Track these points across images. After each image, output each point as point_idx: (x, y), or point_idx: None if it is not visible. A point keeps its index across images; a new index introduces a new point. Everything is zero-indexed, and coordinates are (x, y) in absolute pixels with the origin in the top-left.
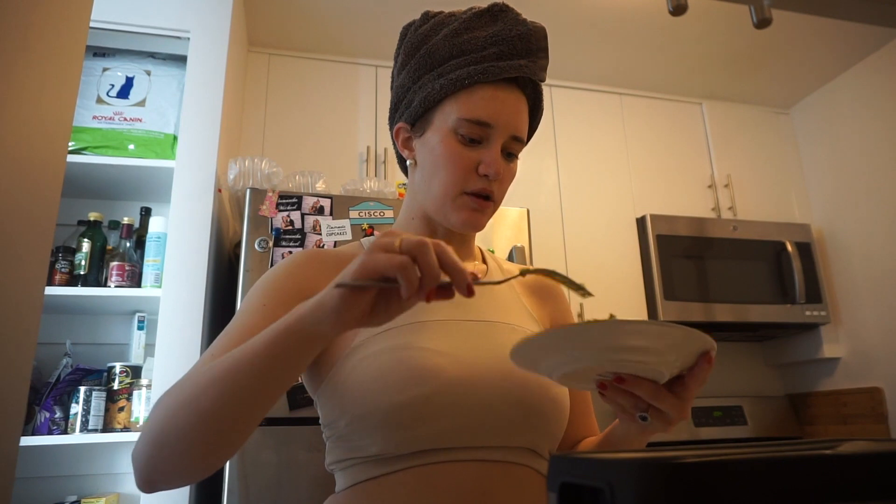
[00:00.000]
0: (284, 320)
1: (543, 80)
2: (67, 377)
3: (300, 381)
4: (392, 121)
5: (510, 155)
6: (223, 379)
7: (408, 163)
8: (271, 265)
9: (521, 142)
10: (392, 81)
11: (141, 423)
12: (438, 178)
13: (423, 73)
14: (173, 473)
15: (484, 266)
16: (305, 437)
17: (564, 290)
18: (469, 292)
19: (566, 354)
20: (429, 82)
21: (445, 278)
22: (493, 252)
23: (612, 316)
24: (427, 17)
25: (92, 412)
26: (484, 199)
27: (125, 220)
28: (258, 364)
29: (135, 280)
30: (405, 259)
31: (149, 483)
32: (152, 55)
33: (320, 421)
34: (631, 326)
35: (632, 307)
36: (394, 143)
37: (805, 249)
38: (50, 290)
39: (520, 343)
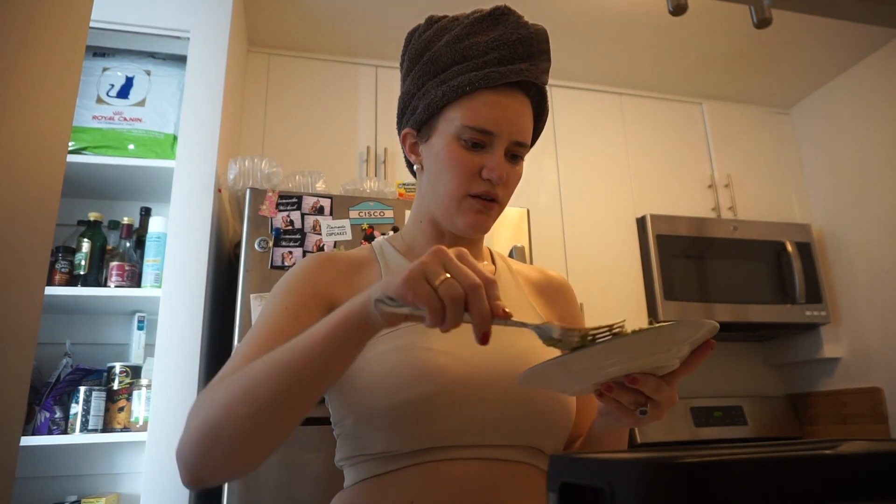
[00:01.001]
0: (339, 312)
1: (546, 84)
2: (67, 377)
3: None
4: (399, 126)
5: (515, 157)
6: (282, 370)
7: (415, 167)
8: (271, 265)
9: (524, 145)
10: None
11: (141, 422)
12: (443, 182)
13: (426, 80)
14: (225, 467)
15: (492, 266)
16: (307, 438)
17: (574, 289)
18: (482, 342)
19: (578, 377)
20: (432, 89)
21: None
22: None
23: (613, 327)
24: (431, 21)
25: (92, 412)
26: (488, 202)
27: (125, 220)
28: (318, 352)
29: (135, 280)
30: (437, 306)
31: (197, 479)
32: (152, 55)
33: (331, 419)
34: (649, 335)
35: (632, 307)
36: (402, 149)
37: (805, 249)
38: (50, 290)
39: (533, 370)
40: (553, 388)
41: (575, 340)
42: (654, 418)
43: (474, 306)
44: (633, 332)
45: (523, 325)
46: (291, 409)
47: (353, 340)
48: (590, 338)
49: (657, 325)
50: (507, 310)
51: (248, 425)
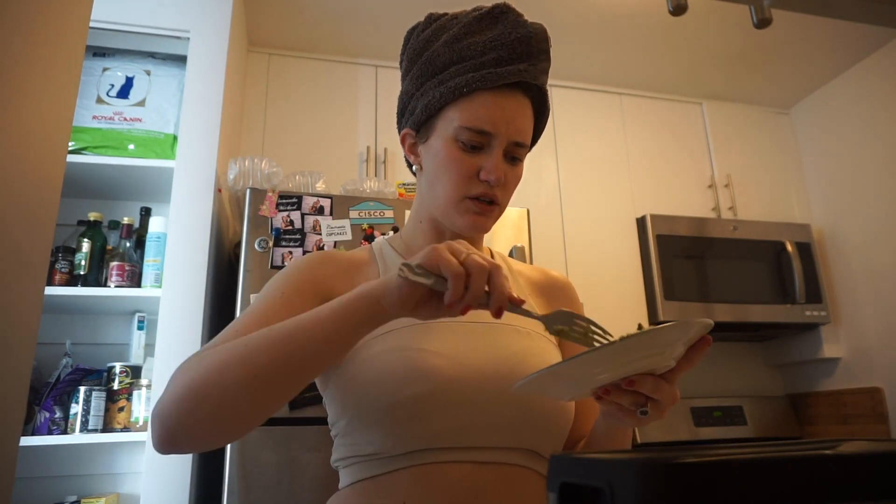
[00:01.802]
0: (353, 292)
1: (545, 84)
2: (67, 377)
3: None
4: (399, 126)
5: (514, 159)
6: (284, 340)
7: (414, 168)
8: (271, 265)
9: (524, 146)
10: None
11: (141, 422)
12: (441, 183)
13: (424, 80)
14: (204, 431)
15: None
16: (306, 437)
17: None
18: (497, 315)
19: (572, 385)
20: (430, 89)
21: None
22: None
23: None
24: (430, 19)
25: (92, 412)
26: (488, 204)
27: (125, 220)
28: (323, 329)
29: (135, 280)
30: (461, 270)
31: (171, 441)
32: (152, 55)
33: (328, 419)
34: (635, 342)
35: (632, 307)
36: (402, 148)
37: (805, 249)
38: (50, 290)
39: (527, 379)
40: (549, 394)
41: (580, 332)
42: (655, 417)
43: (495, 280)
44: (621, 338)
45: (532, 314)
46: (285, 382)
47: (361, 320)
48: (592, 332)
49: (645, 329)
50: (519, 296)
51: (240, 389)
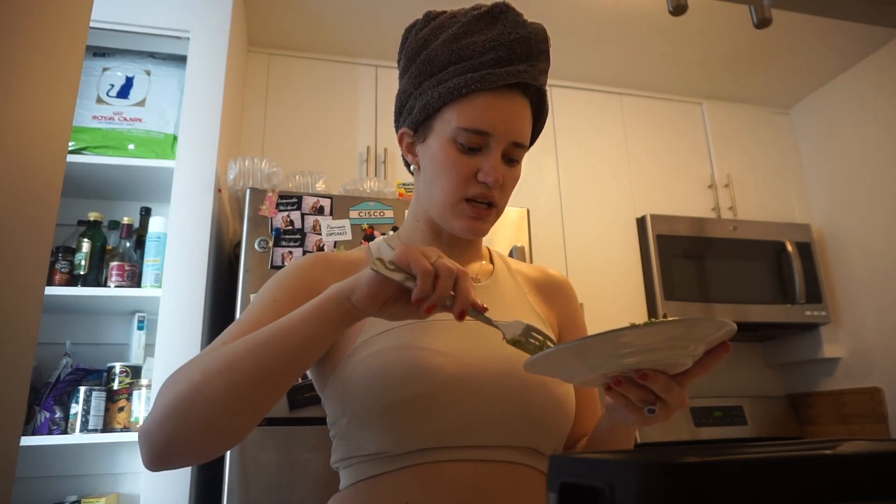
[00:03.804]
0: (323, 295)
1: (544, 85)
2: (67, 377)
3: (301, 381)
4: (396, 125)
5: (511, 160)
6: (261, 346)
7: (412, 167)
8: (271, 265)
9: (522, 147)
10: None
11: (141, 422)
12: (439, 184)
13: (423, 80)
14: (194, 445)
15: (490, 266)
16: (305, 437)
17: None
18: (459, 317)
19: (589, 363)
20: (428, 89)
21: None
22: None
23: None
24: (429, 18)
25: (92, 412)
26: (486, 207)
27: (125, 220)
28: (298, 332)
29: (135, 280)
30: (431, 269)
31: (162, 458)
32: (152, 55)
33: (326, 420)
34: (665, 329)
35: (632, 307)
36: (400, 148)
37: (805, 249)
38: (50, 290)
39: (542, 354)
40: (560, 375)
41: (535, 345)
42: (661, 419)
43: (461, 284)
44: (653, 321)
45: (492, 322)
46: (268, 387)
47: (333, 319)
48: (547, 346)
49: (677, 317)
50: (483, 304)
51: (224, 400)
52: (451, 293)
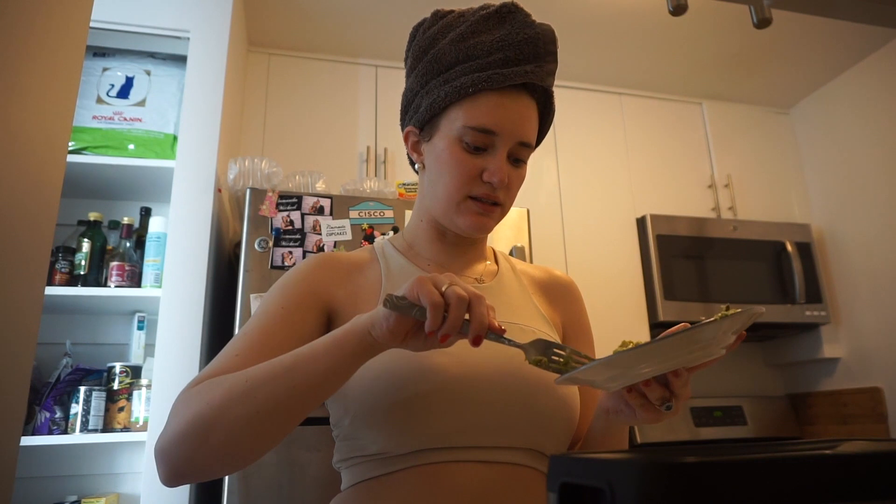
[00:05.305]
0: (345, 327)
1: (551, 86)
2: (67, 377)
3: None
4: (402, 123)
5: (517, 160)
6: (282, 375)
7: (416, 166)
8: (271, 265)
9: (528, 147)
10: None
11: (141, 422)
12: (444, 183)
13: (430, 79)
14: (211, 466)
15: (495, 267)
16: (305, 437)
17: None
18: (474, 343)
19: (635, 370)
20: (435, 88)
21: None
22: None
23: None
24: (437, 16)
25: (92, 412)
26: (491, 205)
27: (125, 220)
28: (320, 363)
29: (135, 280)
30: (440, 301)
31: (178, 476)
32: (152, 55)
33: (329, 420)
34: (707, 331)
35: (632, 307)
36: (405, 146)
37: (805, 249)
38: (50, 290)
39: (582, 369)
40: (596, 384)
41: (559, 363)
42: (674, 413)
43: (476, 309)
44: (671, 334)
45: (513, 343)
46: (287, 416)
47: (355, 352)
48: (574, 360)
49: (722, 315)
50: (502, 326)
51: (242, 426)
52: (466, 318)
